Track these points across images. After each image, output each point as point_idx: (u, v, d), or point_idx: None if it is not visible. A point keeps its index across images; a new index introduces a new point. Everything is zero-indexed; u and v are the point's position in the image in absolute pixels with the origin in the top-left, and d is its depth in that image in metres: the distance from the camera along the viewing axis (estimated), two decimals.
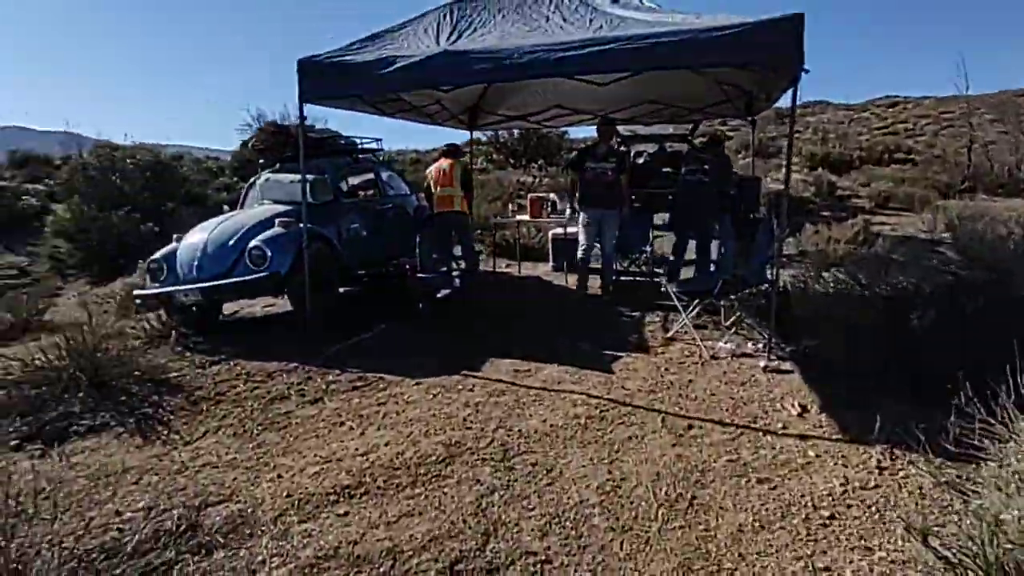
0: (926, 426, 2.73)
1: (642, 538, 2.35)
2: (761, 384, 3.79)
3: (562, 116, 7.84)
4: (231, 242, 5.10)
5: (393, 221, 6.66)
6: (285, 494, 2.72)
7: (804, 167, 17.05)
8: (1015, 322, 3.25)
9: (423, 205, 7.46)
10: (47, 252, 12.10)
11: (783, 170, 13.77)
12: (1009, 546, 1.68)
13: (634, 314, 5.42)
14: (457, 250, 6.67)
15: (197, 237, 5.27)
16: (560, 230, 7.22)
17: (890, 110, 35.94)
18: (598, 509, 2.54)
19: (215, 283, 4.86)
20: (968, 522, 1.94)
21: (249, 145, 6.40)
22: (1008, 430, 2.40)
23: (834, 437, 3.08)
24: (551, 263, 7.66)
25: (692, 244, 6.19)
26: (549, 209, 7.06)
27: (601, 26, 4.32)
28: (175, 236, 5.50)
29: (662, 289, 5.12)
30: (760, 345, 4.31)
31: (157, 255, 5.29)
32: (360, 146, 6.97)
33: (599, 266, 6.09)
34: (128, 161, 13.51)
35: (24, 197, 15.53)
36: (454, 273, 5.89)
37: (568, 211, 6.63)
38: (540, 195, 7.43)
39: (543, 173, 19.21)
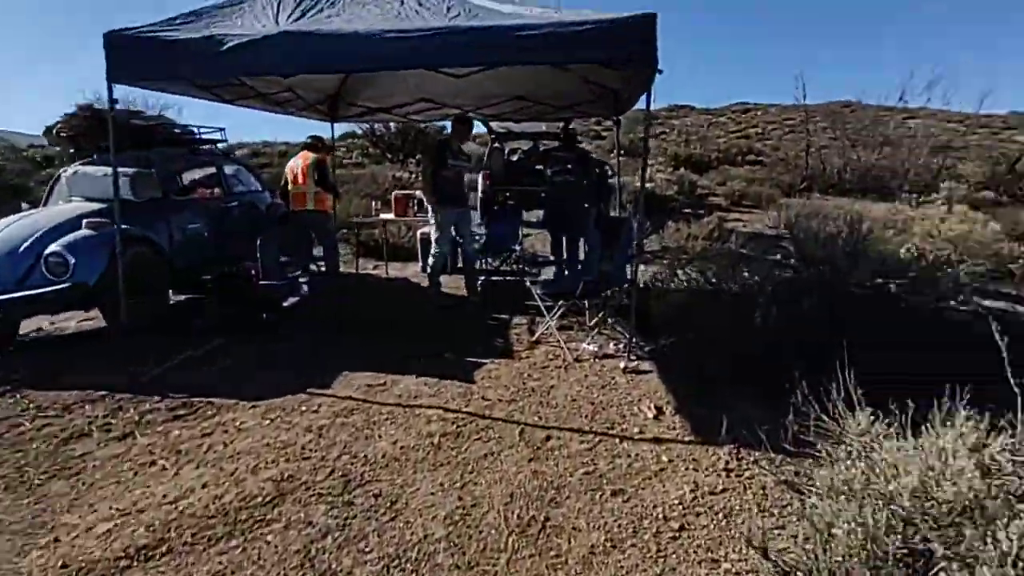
0: (769, 425, 2.78)
1: (489, 574, 2.14)
2: (620, 387, 3.75)
3: (430, 110, 7.51)
4: (23, 247, 4.25)
5: (239, 221, 5.99)
6: (59, 564, 2.20)
7: (668, 167, 18.09)
8: (847, 316, 3.47)
9: (277, 203, 6.83)
10: None
11: (648, 170, 14.36)
12: (840, 559, 1.66)
13: (502, 317, 5.26)
14: (319, 251, 6.14)
15: None
16: (428, 229, 6.91)
17: (744, 115, 39.43)
18: (444, 544, 2.30)
19: (5, 296, 4.02)
20: (803, 530, 1.94)
21: (54, 132, 5.41)
22: (839, 427, 2.48)
23: (686, 439, 3.08)
24: (420, 264, 7.33)
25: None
26: (415, 208, 6.72)
27: (459, 14, 4.08)
28: None
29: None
30: (621, 345, 4.31)
31: None
32: (198, 135, 6.20)
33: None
34: None
35: None
36: (303, 279, 5.37)
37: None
38: (406, 192, 7.06)
39: (421, 169, 18.72)
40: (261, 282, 4.51)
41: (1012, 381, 2.13)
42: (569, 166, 6.08)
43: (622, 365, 4.01)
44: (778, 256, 7.29)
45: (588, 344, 4.41)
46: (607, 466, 2.84)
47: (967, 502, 1.49)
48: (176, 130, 6.08)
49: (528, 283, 4.91)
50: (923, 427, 2.15)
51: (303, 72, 4.46)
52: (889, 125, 19.96)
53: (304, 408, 3.51)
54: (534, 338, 4.61)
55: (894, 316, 3.74)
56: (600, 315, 4.77)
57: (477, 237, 6.89)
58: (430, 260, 5.61)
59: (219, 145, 6.63)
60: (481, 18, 3.95)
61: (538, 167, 11.07)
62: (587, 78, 6.41)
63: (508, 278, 6.68)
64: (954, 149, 19.81)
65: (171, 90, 4.79)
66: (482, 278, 6.68)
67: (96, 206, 4.75)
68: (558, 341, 4.45)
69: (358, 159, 21.51)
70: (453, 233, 5.64)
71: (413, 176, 16.66)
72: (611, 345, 4.43)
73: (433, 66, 4.40)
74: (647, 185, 13.65)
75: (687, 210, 12.62)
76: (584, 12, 3.81)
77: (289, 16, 4.07)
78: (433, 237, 5.60)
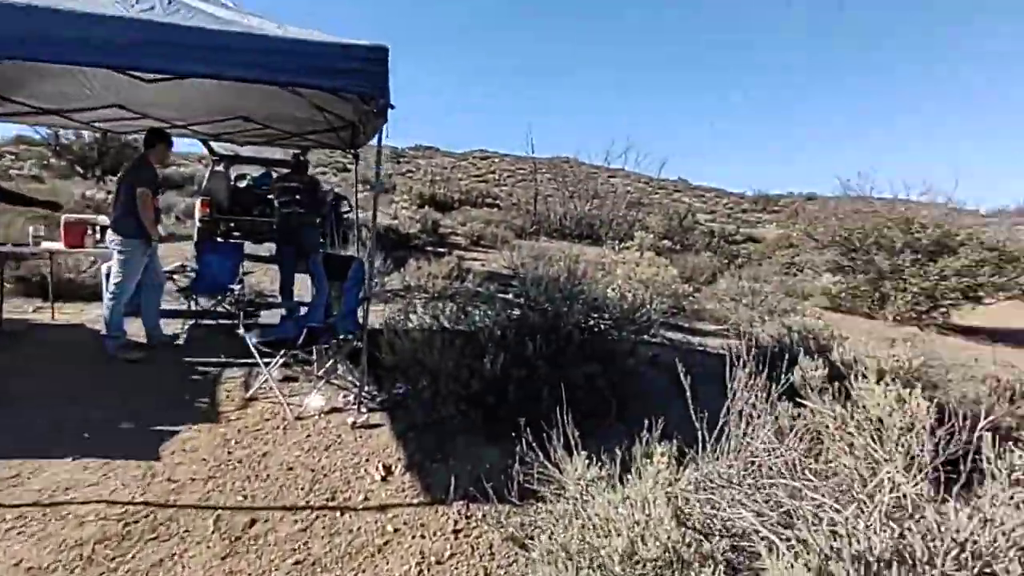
0: (498, 474, 2.72)
1: None
2: (347, 445, 3.37)
3: (125, 120, 6.22)
4: None
5: None
6: None
7: (414, 204, 18.40)
8: (567, 357, 3.67)
9: None
10: None
11: (392, 206, 14.43)
12: None
13: (210, 370, 4.43)
14: None
15: None
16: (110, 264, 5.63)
17: (483, 161, 42.78)
18: None
19: None
20: None
21: None
22: (560, 473, 2.50)
23: (416, 501, 2.85)
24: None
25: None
26: (97, 236, 5.39)
27: (153, 7, 3.37)
28: None
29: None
30: (352, 397, 3.94)
31: None
32: None
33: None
34: None
35: None
36: None
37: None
38: (82, 217, 5.64)
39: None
40: None
41: (693, 413, 2.39)
42: (298, 196, 5.58)
43: (350, 420, 3.63)
44: (510, 295, 7.79)
45: (314, 398, 3.93)
46: (323, 549, 2.43)
47: (670, 557, 1.52)
48: None
49: (241, 329, 4.22)
50: (631, 466, 2.27)
51: None
52: (598, 180, 23.58)
53: None
54: (248, 394, 3.95)
55: (604, 351, 4.13)
56: (328, 364, 4.34)
57: (189, 273, 5.85)
58: (108, 301, 4.51)
59: None
60: (183, 17, 3.33)
61: (269, 196, 10.16)
62: (322, 107, 6.01)
63: (221, 321, 5.77)
64: (643, 205, 24.12)
65: None
66: (191, 322, 5.66)
67: None
68: (279, 396, 3.87)
69: (33, 170, 17.19)
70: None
71: (110, 195, 13.90)
72: (340, 397, 4.03)
73: (112, 66, 3.57)
74: (391, 222, 13.60)
75: (429, 248, 12.86)
76: (314, 32, 3.48)
77: None
78: (115, 273, 4.53)
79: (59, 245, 5.20)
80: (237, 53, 3.13)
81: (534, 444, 2.56)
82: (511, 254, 12.05)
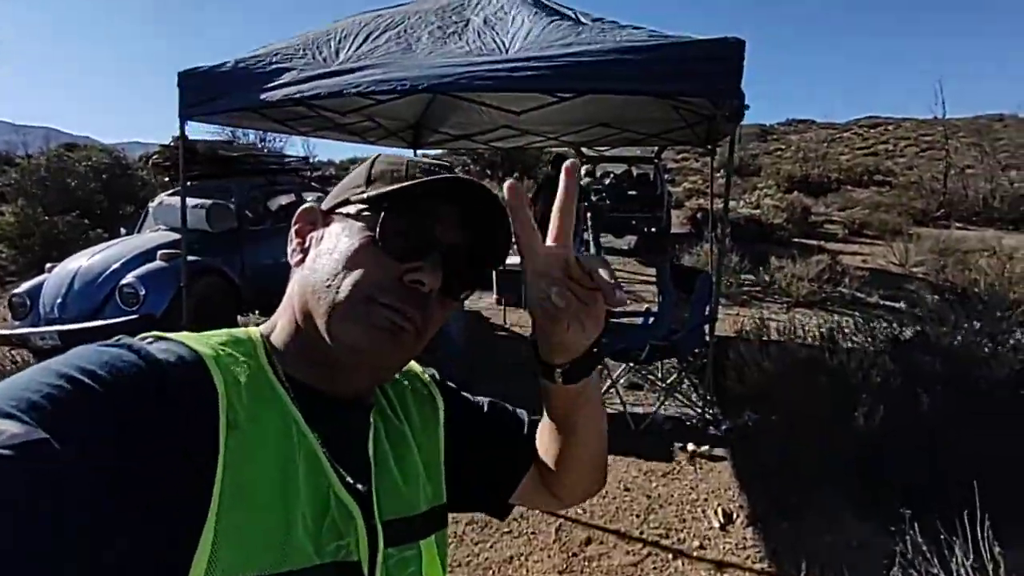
0: (867, 560, 2.19)
1: None
2: (686, 476, 3.20)
3: (511, 137, 7.27)
4: (103, 276, 4.44)
5: None
6: None
7: (781, 190, 16.70)
8: (978, 429, 2.71)
9: None
10: None
11: (755, 193, 13.26)
12: None
13: None
14: None
15: (69, 268, 4.61)
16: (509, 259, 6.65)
17: (872, 131, 36.11)
18: None
19: (74, 327, 4.20)
20: None
21: (149, 162, 5.72)
22: None
23: (758, 568, 2.50)
24: (493, 294, 7.08)
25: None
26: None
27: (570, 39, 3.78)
28: (47, 265, 4.83)
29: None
30: (695, 419, 3.74)
31: (21, 287, 4.62)
32: (286, 165, 6.35)
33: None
34: (82, 164, 12.78)
35: None
36: None
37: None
38: None
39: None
40: None
41: None
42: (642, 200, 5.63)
43: (691, 447, 3.45)
44: (901, 304, 6.27)
45: (656, 412, 3.88)
46: None
47: None
48: (261, 159, 6.25)
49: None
50: None
51: (341, 96, 4.34)
52: None
53: None
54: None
55: None
56: (674, 377, 4.22)
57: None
58: None
59: (306, 171, 6.77)
60: (556, 40, 3.62)
61: (631, 192, 10.54)
62: (677, 105, 5.86)
63: None
64: None
65: (245, 125, 4.86)
66: None
67: (176, 236, 4.92)
68: (621, 405, 3.95)
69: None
70: None
71: None
72: (682, 415, 3.88)
73: (523, 91, 4.12)
74: (752, 211, 12.57)
75: (796, 241, 11.47)
76: (656, 34, 3.37)
77: (351, 48, 3.96)
78: None
79: None
80: (626, 66, 3.21)
81: (915, 531, 1.95)
82: (905, 248, 9.82)
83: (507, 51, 3.65)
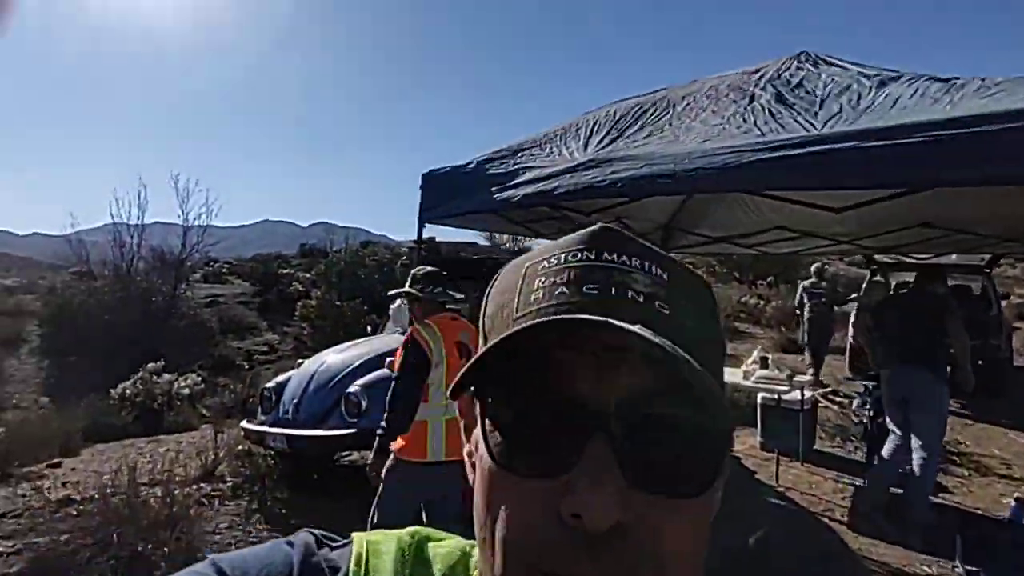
0: None
1: None
2: None
3: (785, 240, 5.92)
4: (334, 381, 4.30)
5: None
6: None
7: None
8: None
9: None
10: (294, 334, 13.52)
11: None
12: None
13: None
14: None
15: (311, 367, 4.61)
16: (770, 393, 5.18)
17: None
18: None
19: (299, 432, 4.04)
20: None
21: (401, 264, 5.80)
22: None
23: None
24: (759, 437, 5.56)
25: None
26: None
27: (839, 110, 2.68)
28: (298, 360, 4.96)
29: None
30: None
31: (272, 382, 4.75)
32: None
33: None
34: (370, 258, 14.81)
35: (294, 284, 17.92)
36: None
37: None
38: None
39: (772, 292, 16.51)
40: None
41: None
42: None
43: None
44: None
45: None
46: None
47: None
48: (503, 261, 5.98)
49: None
50: None
51: (588, 198, 3.62)
52: None
53: None
54: None
55: None
56: None
57: None
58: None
59: None
60: (879, 114, 2.47)
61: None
62: None
63: None
64: None
65: (485, 228, 4.53)
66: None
67: None
68: None
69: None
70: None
71: (761, 302, 14.62)
72: None
73: (811, 188, 3.01)
74: None
75: None
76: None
77: (601, 139, 3.31)
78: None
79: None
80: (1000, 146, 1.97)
81: None
82: None
83: (820, 129, 2.60)
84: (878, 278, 8.18)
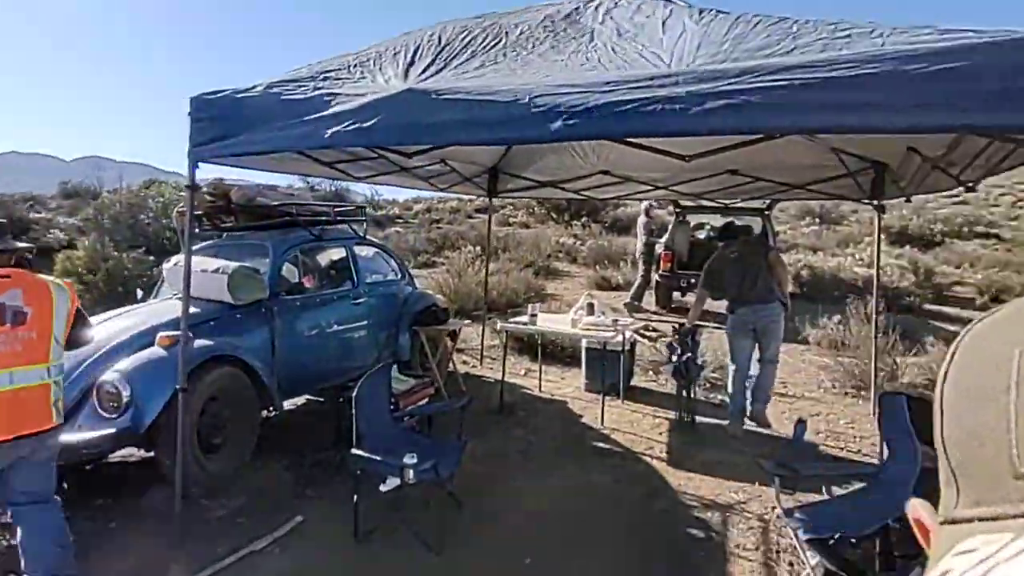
0: None
1: None
2: None
3: (607, 185, 5.93)
4: (82, 367, 3.28)
5: (369, 322, 4.82)
6: None
7: (887, 243, 14.68)
8: None
9: (426, 294, 5.73)
10: None
11: (867, 248, 11.28)
12: None
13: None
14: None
15: None
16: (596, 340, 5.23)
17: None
18: None
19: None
20: None
21: (174, 212, 4.71)
22: None
23: None
24: (584, 379, 5.66)
25: None
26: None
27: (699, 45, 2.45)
28: None
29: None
30: None
31: None
32: (334, 215, 5.18)
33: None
34: (155, 200, 12.33)
35: (52, 231, 14.38)
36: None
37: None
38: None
39: (587, 232, 17.23)
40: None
41: None
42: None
43: None
44: None
45: None
46: None
47: None
48: (310, 207, 5.13)
49: (781, 514, 2.86)
50: None
51: (416, 144, 3.10)
52: None
53: None
54: None
55: None
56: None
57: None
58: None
59: (363, 220, 5.60)
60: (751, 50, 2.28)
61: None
62: (842, 148, 4.42)
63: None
64: None
65: (279, 170, 3.73)
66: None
67: (194, 309, 3.76)
68: None
69: (522, 218, 20.50)
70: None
71: (576, 242, 15.24)
72: None
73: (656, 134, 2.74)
74: (865, 271, 10.76)
75: (927, 309, 9.59)
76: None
77: (425, 68, 2.74)
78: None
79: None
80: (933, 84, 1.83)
81: None
82: None
83: (669, 65, 2.34)
84: (682, 219, 8.82)
